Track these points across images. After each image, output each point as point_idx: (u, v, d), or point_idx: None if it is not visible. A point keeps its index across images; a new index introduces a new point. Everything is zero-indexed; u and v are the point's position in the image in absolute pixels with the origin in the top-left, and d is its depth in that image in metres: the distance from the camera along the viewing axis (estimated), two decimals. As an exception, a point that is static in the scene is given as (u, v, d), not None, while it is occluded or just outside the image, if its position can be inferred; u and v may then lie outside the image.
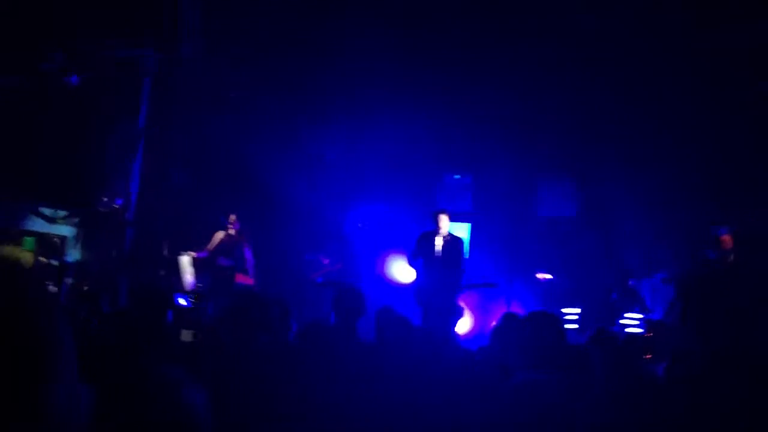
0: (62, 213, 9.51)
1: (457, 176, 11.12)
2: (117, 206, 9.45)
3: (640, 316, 8.47)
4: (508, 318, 5.20)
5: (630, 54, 9.57)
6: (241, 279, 9.04)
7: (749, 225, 8.07)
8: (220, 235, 9.31)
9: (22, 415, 0.83)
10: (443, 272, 8.01)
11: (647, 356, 6.12)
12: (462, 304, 8.50)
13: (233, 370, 3.62)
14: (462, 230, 10.00)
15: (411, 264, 8.43)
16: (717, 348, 2.54)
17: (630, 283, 8.99)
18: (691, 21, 9.04)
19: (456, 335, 5.67)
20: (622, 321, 8.41)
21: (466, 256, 8.50)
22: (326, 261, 10.07)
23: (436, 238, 8.13)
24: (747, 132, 8.95)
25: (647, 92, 9.77)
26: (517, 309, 8.89)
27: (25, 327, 0.86)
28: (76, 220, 9.60)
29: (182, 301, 7.49)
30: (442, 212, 8.29)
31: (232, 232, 9.21)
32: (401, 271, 10.22)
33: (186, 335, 5.82)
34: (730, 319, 2.56)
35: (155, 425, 1.25)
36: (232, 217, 9.24)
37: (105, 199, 9.36)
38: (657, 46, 9.41)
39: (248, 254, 9.21)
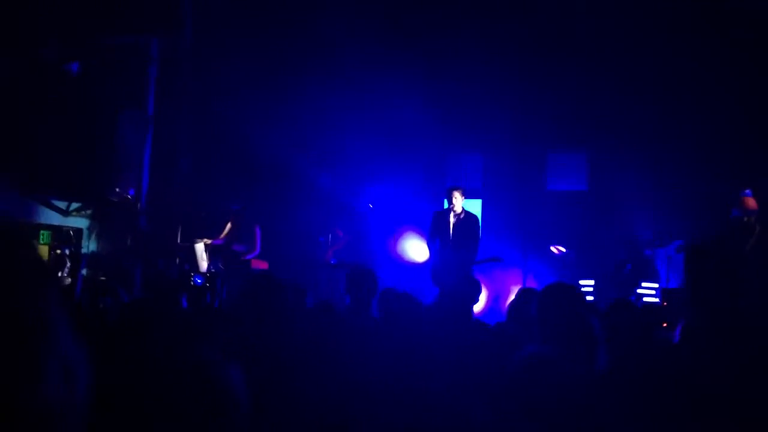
0: (76, 205, 9.57)
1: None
2: (129, 196, 9.49)
3: (656, 285, 8.45)
4: (525, 293, 5.20)
5: (640, 25, 9.46)
6: (256, 264, 9.07)
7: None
8: (231, 223, 9.37)
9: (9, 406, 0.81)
10: (458, 250, 7.98)
11: (664, 324, 6.12)
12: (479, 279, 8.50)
13: (249, 353, 3.65)
14: (474, 207, 9.97)
15: (429, 246, 8.39)
16: (717, 319, 2.52)
17: (645, 253, 8.96)
18: None
19: (472, 312, 5.69)
20: (639, 291, 8.39)
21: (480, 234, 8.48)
22: (340, 233, 10.06)
23: (450, 215, 8.08)
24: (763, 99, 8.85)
25: (657, 61, 9.67)
26: (533, 284, 8.89)
27: (13, 307, 0.83)
28: (90, 211, 9.65)
29: (198, 281, 7.53)
30: (456, 189, 8.20)
31: (236, 219, 9.27)
32: (415, 250, 10.21)
33: None
34: (734, 290, 2.53)
35: (194, 406, 1.24)
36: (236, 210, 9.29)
37: (117, 190, 9.39)
38: (668, 17, 9.29)
39: (258, 233, 9.23)
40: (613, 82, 9.87)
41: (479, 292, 5.43)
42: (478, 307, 9.05)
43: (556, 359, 2.24)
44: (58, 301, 0.89)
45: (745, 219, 7.40)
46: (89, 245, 9.61)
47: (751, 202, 7.50)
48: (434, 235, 8.24)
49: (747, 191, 7.54)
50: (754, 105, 9.02)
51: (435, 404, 2.70)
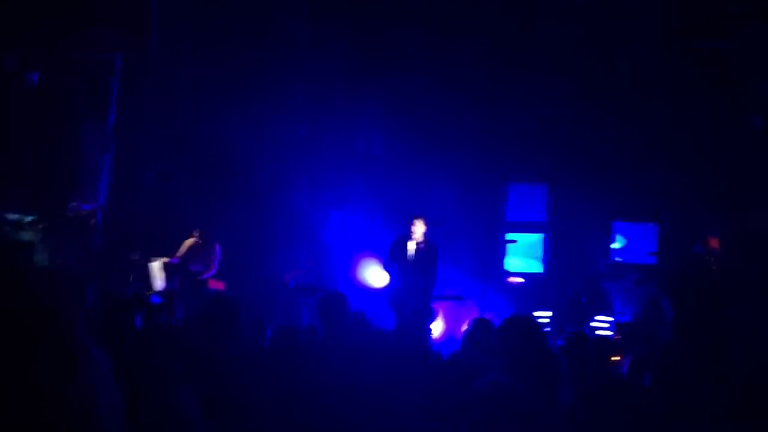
0: (28, 218, 9.33)
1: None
2: (85, 211, 9.31)
3: (610, 318, 8.57)
4: (479, 323, 5.23)
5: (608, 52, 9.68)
6: (213, 284, 8.96)
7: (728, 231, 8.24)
8: (189, 241, 9.26)
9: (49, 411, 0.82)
10: (416, 277, 8.03)
11: (616, 358, 6.20)
12: (436, 308, 8.53)
13: (202, 376, 3.59)
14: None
15: (385, 269, 8.44)
16: (697, 345, 2.59)
17: (602, 285, 9.10)
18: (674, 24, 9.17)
19: (429, 338, 5.70)
20: (592, 324, 8.50)
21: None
22: (304, 262, 10.01)
23: (410, 243, 8.14)
24: (726, 138, 9.10)
25: (619, 99, 9.89)
26: (488, 314, 8.93)
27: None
28: (43, 225, 9.43)
29: (154, 300, 7.41)
30: (418, 217, 8.27)
31: (198, 238, 9.17)
32: (374, 275, 10.21)
33: None
34: (711, 318, 2.61)
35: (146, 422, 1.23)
36: (196, 233, 9.20)
37: (73, 204, 9.21)
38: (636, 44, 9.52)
39: (217, 252, 9.14)
40: (576, 116, 10.06)
41: (434, 320, 5.45)
42: (435, 335, 9.06)
43: (516, 389, 2.26)
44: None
45: (706, 257, 7.60)
46: (41, 260, 9.38)
47: (715, 243, 7.73)
48: (392, 260, 8.28)
49: (713, 232, 7.78)
50: (710, 143, 9.26)
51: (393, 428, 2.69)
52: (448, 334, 9.39)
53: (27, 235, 9.25)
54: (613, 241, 9.99)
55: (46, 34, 9.02)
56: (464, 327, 6.88)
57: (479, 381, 2.34)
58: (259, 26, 10.29)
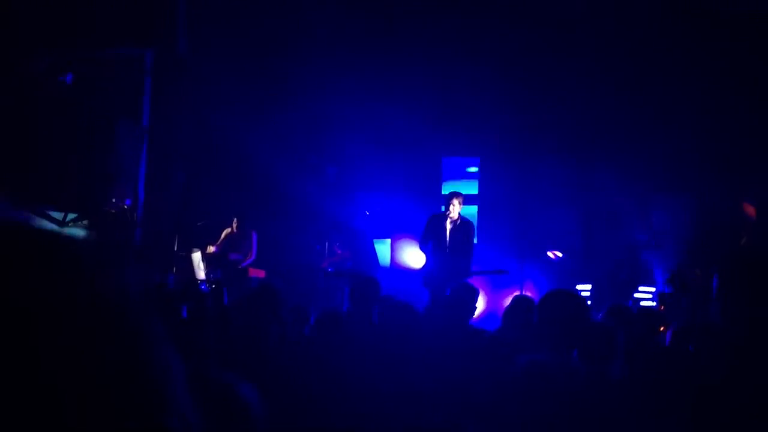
0: (72, 216, 9.55)
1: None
2: (126, 206, 9.49)
3: (653, 289, 8.48)
4: (520, 300, 5.22)
5: (624, 32, 9.55)
6: (254, 273, 9.08)
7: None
8: (226, 231, 9.40)
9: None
10: (452, 257, 7.99)
11: (660, 329, 6.14)
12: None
13: (245, 362, 3.66)
14: (469, 212, 9.99)
15: (421, 248, 8.40)
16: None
17: (641, 256, 8.99)
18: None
19: (470, 319, 5.70)
20: (636, 295, 8.41)
21: (475, 240, 8.50)
22: (339, 251, 10.08)
23: (447, 221, 8.09)
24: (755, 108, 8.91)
25: (643, 71, 9.74)
26: (529, 289, 8.90)
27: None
28: (86, 222, 9.64)
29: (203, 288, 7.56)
30: (456, 195, 8.18)
31: (235, 228, 9.32)
32: (411, 256, 10.23)
33: None
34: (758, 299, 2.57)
35: (215, 425, 1.24)
36: (233, 223, 9.34)
37: (114, 200, 9.39)
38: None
39: (255, 240, 9.29)
40: (605, 90, 9.93)
41: (476, 298, 5.45)
42: (476, 313, 9.06)
43: (557, 366, 2.25)
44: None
45: (745, 226, 7.48)
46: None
47: (751, 210, 7.58)
48: (427, 239, 8.24)
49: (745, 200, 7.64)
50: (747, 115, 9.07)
51: (433, 411, 2.71)
52: (489, 311, 9.39)
53: (71, 232, 9.45)
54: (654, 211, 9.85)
55: (75, 35, 9.16)
56: (506, 303, 6.88)
57: (517, 360, 2.34)
58: (280, 26, 10.36)
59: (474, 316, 5.71)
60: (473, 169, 11.19)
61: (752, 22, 8.97)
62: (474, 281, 8.30)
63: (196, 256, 8.99)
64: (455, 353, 3.53)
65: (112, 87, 9.61)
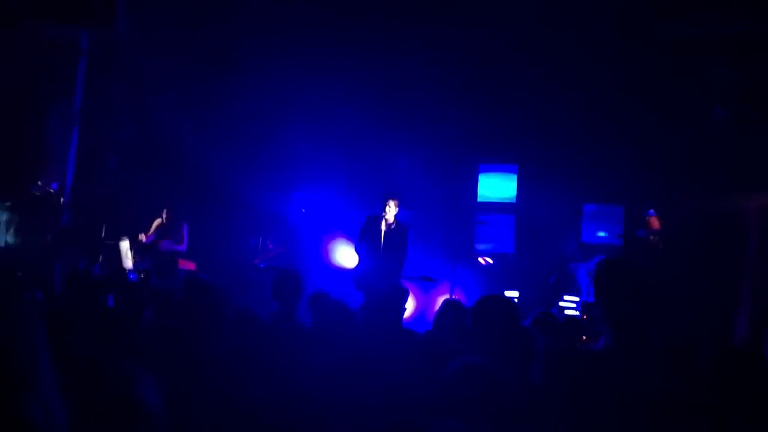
0: (-6, 197, 9.19)
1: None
2: (52, 190, 9.19)
3: (577, 299, 8.74)
4: (450, 304, 5.30)
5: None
6: (183, 264, 8.93)
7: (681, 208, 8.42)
8: (157, 221, 9.23)
9: (3, 425, 0.81)
10: (386, 258, 8.04)
11: (583, 338, 6.34)
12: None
13: (178, 367, 3.58)
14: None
15: (356, 249, 8.42)
16: (625, 333, 2.64)
17: (569, 266, 9.26)
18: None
19: (401, 317, 5.77)
20: (561, 303, 8.66)
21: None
22: (271, 246, 10.01)
23: (382, 223, 8.12)
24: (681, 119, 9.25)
25: (580, 77, 9.97)
26: (458, 294, 9.05)
27: (4, 337, 0.84)
28: (9, 204, 9.29)
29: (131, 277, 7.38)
30: (392, 198, 8.17)
31: (166, 218, 9.17)
32: (345, 255, 10.24)
33: None
34: (637, 304, 2.65)
35: (106, 420, 1.23)
36: (164, 212, 9.19)
37: (39, 183, 9.08)
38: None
39: (186, 230, 9.16)
40: (542, 93, 10.13)
41: (406, 299, 5.50)
42: (406, 315, 9.13)
43: (493, 369, 2.32)
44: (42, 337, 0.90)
45: (651, 238, 7.79)
46: (6, 239, 9.25)
47: (655, 222, 7.92)
48: (363, 239, 8.25)
49: (650, 211, 7.94)
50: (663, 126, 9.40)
51: (370, 414, 2.73)
52: (419, 315, 9.49)
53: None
54: (583, 222, 10.14)
55: (8, 9, 8.83)
56: (436, 307, 6.96)
57: (452, 361, 2.40)
58: (224, 12, 10.17)
59: (404, 317, 5.76)
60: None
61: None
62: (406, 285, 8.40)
63: (124, 245, 8.78)
64: (392, 356, 3.55)
65: (45, 66, 9.29)
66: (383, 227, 8.11)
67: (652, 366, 2.62)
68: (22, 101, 9.11)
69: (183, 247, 9.06)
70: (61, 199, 9.36)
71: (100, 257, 8.80)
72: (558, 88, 9.95)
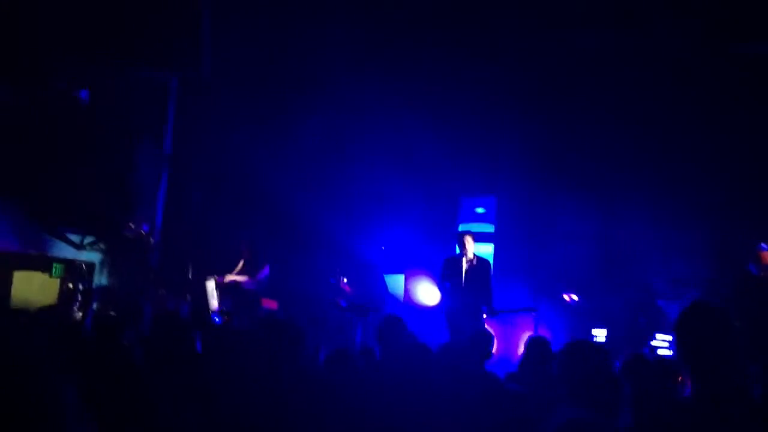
0: (89, 239, 9.60)
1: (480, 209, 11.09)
2: (143, 232, 9.53)
3: (670, 337, 8.34)
4: (536, 343, 5.15)
5: (644, 70, 9.57)
6: (267, 303, 9.04)
7: None
8: (241, 263, 9.39)
9: None
10: (471, 295, 7.96)
11: (679, 379, 6.03)
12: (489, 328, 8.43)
13: (257, 399, 3.61)
14: (486, 251, 9.92)
15: (440, 290, 8.39)
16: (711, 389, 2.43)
17: (658, 303, 8.87)
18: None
19: (488, 360, 5.65)
20: (653, 343, 8.29)
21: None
22: (346, 286, 10.00)
23: (463, 260, 8.07)
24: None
25: (666, 106, 9.71)
26: (544, 331, 8.80)
27: (28, 397, 0.84)
28: (103, 246, 9.68)
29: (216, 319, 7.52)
30: (467, 234, 8.22)
31: (246, 252, 9.30)
32: (426, 293, 10.17)
33: None
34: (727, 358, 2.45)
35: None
36: (243, 246, 9.31)
37: (131, 225, 9.43)
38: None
39: (266, 271, 9.25)
40: (624, 125, 9.89)
41: (492, 345, 5.39)
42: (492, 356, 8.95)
43: (594, 422, 2.20)
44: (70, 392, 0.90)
45: (762, 275, 7.30)
46: (100, 279, 9.62)
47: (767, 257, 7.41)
48: (445, 281, 8.22)
49: (763, 245, 7.45)
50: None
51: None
52: (501, 350, 9.28)
53: (89, 256, 9.50)
54: (670, 256, 9.71)
55: (97, 53, 9.26)
56: (521, 345, 6.78)
57: (555, 416, 2.29)
58: (300, 55, 10.44)
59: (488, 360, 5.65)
60: (481, 210, 11.16)
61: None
62: (487, 321, 8.26)
63: (210, 285, 8.97)
64: (470, 403, 3.48)
65: (135, 108, 9.70)
66: (464, 265, 8.04)
67: (748, 417, 2.44)
68: (112, 142, 9.51)
69: (253, 283, 9.11)
70: (151, 240, 9.68)
71: (188, 297, 9.02)
72: (635, 116, 9.73)
